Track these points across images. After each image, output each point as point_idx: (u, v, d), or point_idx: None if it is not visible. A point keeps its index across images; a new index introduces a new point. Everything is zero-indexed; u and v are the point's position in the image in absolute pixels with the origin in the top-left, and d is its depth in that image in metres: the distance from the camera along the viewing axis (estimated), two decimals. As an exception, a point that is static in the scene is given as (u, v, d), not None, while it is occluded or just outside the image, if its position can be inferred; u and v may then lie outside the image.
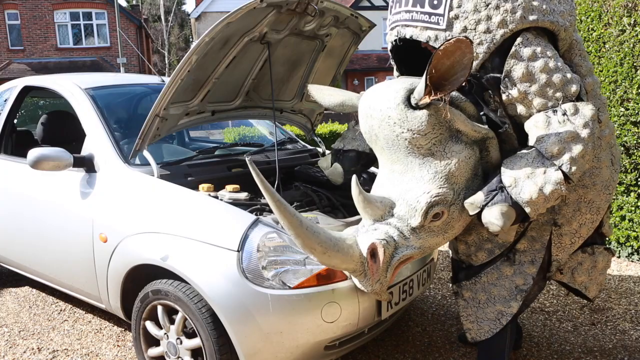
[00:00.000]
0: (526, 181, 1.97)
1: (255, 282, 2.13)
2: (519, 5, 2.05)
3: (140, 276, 2.54)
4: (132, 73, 15.48)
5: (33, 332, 3.31)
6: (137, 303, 2.54)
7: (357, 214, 2.68)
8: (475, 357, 2.84)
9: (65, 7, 21.77)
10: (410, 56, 2.43)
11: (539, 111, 2.05)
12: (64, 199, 2.87)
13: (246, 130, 5.41)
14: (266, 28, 2.72)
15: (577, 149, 1.96)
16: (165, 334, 2.48)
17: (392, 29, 2.34)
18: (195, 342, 2.33)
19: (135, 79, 3.77)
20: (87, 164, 2.80)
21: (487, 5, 2.06)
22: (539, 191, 1.95)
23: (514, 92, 2.06)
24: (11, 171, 3.34)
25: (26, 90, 3.60)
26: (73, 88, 3.14)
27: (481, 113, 2.19)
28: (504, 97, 2.10)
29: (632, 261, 4.26)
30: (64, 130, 3.51)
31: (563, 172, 1.95)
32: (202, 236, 2.26)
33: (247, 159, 1.87)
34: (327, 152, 3.59)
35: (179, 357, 2.45)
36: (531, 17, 2.06)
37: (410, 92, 2.03)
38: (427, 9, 2.14)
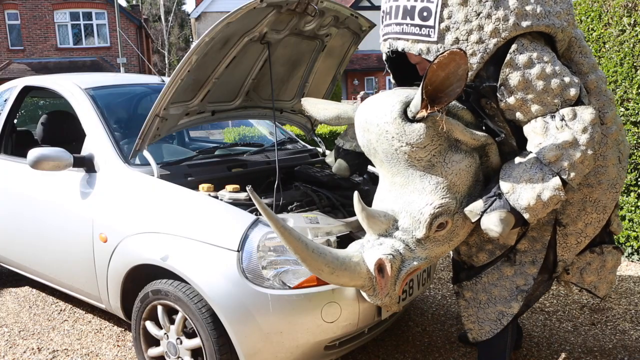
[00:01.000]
0: (524, 187, 1.95)
1: (255, 282, 2.13)
2: (511, 12, 2.00)
3: (140, 276, 2.54)
4: (132, 73, 15.50)
5: (33, 332, 3.31)
6: (137, 303, 2.54)
7: (357, 214, 2.68)
8: (475, 357, 2.84)
9: (65, 7, 21.78)
10: (405, 64, 2.41)
11: (537, 117, 2.02)
12: (64, 199, 2.87)
13: (246, 130, 5.41)
14: (266, 28, 2.72)
15: (575, 155, 1.93)
16: (165, 334, 2.48)
17: (384, 40, 2.31)
18: (195, 342, 2.33)
19: (135, 79, 3.77)
20: (87, 164, 2.80)
21: (479, 15, 2.01)
22: (537, 197, 1.93)
23: (511, 100, 2.03)
24: (11, 171, 3.34)
25: (26, 90, 3.60)
26: (73, 88, 3.14)
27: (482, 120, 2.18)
28: (501, 104, 2.06)
29: (632, 261, 4.26)
30: (64, 130, 3.51)
31: (561, 178, 1.93)
32: (202, 236, 2.26)
33: (247, 189, 1.87)
34: (327, 151, 3.60)
35: (179, 357, 2.45)
36: (525, 24, 2.00)
37: (407, 104, 2.00)
38: (417, 21, 2.09)
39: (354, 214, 2.69)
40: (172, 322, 2.44)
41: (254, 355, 2.18)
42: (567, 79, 2.01)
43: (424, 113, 1.90)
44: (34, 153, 2.68)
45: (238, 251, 2.15)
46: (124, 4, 32.85)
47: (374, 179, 3.16)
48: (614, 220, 2.40)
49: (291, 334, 2.15)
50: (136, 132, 2.66)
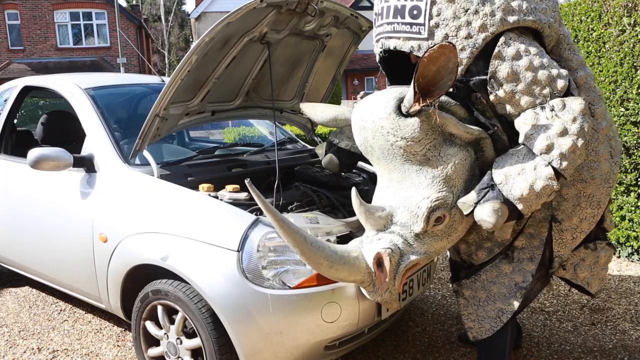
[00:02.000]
0: (517, 178, 1.98)
1: (255, 282, 2.13)
2: (498, 7, 2.05)
3: (140, 276, 2.54)
4: (132, 73, 15.48)
5: (33, 332, 3.31)
6: (137, 303, 2.54)
7: (357, 214, 2.68)
8: (475, 357, 2.84)
9: (65, 7, 21.78)
10: (399, 65, 2.45)
11: (527, 109, 2.06)
12: (64, 199, 2.87)
13: (246, 130, 5.40)
14: (266, 28, 2.72)
15: (566, 144, 1.96)
16: (165, 334, 2.48)
17: (377, 41, 2.37)
18: (195, 342, 2.33)
19: (135, 79, 3.77)
20: (87, 164, 2.80)
21: (466, 11, 2.07)
22: (530, 187, 1.96)
23: (500, 93, 2.07)
24: (11, 171, 3.34)
25: (26, 90, 3.60)
26: (73, 88, 3.14)
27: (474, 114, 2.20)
28: (491, 97, 2.11)
29: (632, 261, 4.26)
30: (64, 130, 3.51)
31: (554, 168, 1.96)
32: (202, 236, 2.26)
33: (246, 182, 1.89)
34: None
35: (179, 357, 2.45)
36: (511, 19, 2.06)
37: (400, 100, 2.05)
38: (408, 19, 2.15)
39: (354, 214, 2.70)
40: (172, 322, 2.44)
41: (254, 355, 2.18)
42: (554, 71, 2.05)
43: (417, 107, 1.94)
44: (34, 153, 2.68)
45: (238, 251, 2.15)
46: (124, 4, 32.86)
47: (373, 179, 3.16)
48: (607, 217, 2.44)
49: (291, 334, 2.15)
50: (136, 132, 2.66)
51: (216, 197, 2.46)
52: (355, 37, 3.25)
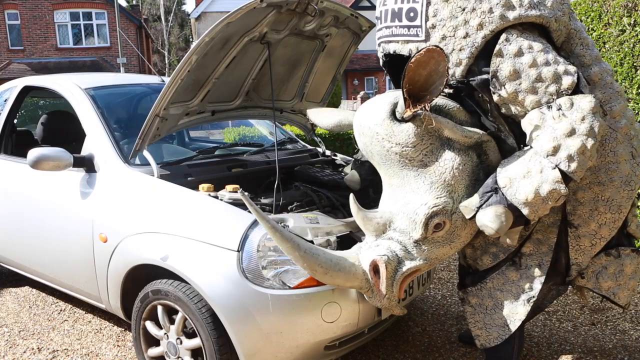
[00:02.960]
0: (522, 181, 1.89)
1: (255, 282, 2.13)
2: (496, 4, 1.97)
3: (140, 276, 2.53)
4: (132, 73, 15.50)
5: (33, 332, 3.31)
6: (137, 303, 2.54)
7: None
8: (475, 357, 2.84)
9: (65, 7, 21.77)
10: (403, 66, 2.42)
11: (532, 109, 1.97)
12: (64, 199, 2.87)
13: (246, 130, 5.41)
14: (266, 28, 2.72)
15: (574, 145, 1.85)
16: (165, 334, 2.48)
17: (378, 45, 2.33)
18: (195, 342, 2.33)
19: (135, 79, 3.77)
20: (87, 164, 2.80)
21: (463, 10, 2.00)
22: (536, 191, 1.87)
23: (503, 92, 1.99)
24: (11, 171, 3.34)
25: (26, 90, 3.60)
26: (73, 88, 3.14)
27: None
28: (495, 98, 2.03)
29: (632, 261, 4.26)
30: (64, 130, 3.51)
31: (561, 171, 1.87)
32: (202, 236, 2.26)
33: (239, 192, 1.90)
34: (327, 152, 3.60)
35: (179, 357, 2.45)
36: (512, 15, 1.97)
37: (395, 106, 2.02)
38: (405, 22, 2.11)
39: (354, 214, 2.70)
40: (172, 322, 2.44)
41: (254, 355, 2.18)
42: (561, 68, 1.95)
43: (409, 112, 1.90)
44: (34, 153, 2.68)
45: (238, 251, 2.15)
46: (124, 4, 32.86)
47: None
48: (632, 221, 2.28)
49: (291, 334, 2.15)
50: (136, 132, 2.66)
51: (216, 197, 2.46)
52: (355, 37, 3.25)
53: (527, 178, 1.90)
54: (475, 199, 1.96)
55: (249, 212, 2.36)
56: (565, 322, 3.24)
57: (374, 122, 2.03)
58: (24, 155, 2.89)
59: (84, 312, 3.56)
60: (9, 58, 21.19)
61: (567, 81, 1.94)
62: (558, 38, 2.11)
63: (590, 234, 2.19)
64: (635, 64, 3.97)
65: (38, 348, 3.10)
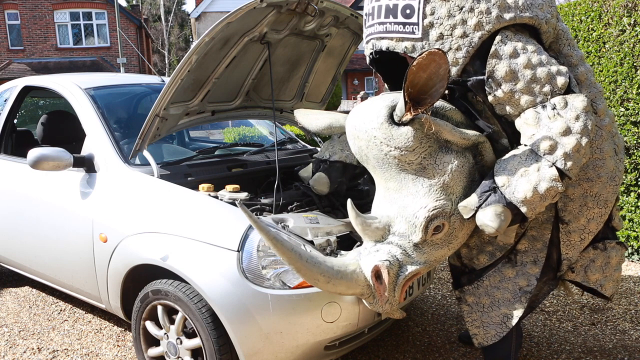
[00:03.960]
0: (520, 180, 1.92)
1: (255, 282, 2.13)
2: (493, 4, 2.00)
3: (140, 276, 2.53)
4: (132, 73, 15.49)
5: (33, 332, 3.31)
6: (137, 303, 2.54)
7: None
8: (475, 357, 2.84)
9: (65, 7, 21.78)
10: (392, 66, 2.40)
11: (527, 108, 2.00)
12: (64, 199, 2.87)
13: (246, 130, 5.41)
14: (266, 28, 2.72)
15: (570, 143, 1.89)
16: (165, 334, 2.48)
17: (367, 42, 2.29)
18: (195, 342, 2.33)
19: (135, 79, 3.77)
20: (87, 164, 2.80)
21: (461, 9, 2.01)
22: (534, 189, 1.89)
23: (499, 93, 2.01)
24: (11, 171, 3.34)
25: (26, 90, 3.60)
26: (73, 88, 3.14)
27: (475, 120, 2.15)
28: (490, 98, 2.04)
29: (632, 261, 4.26)
30: (64, 130, 3.51)
31: (558, 169, 1.90)
32: (202, 236, 2.25)
33: (238, 204, 1.90)
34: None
35: (179, 357, 2.45)
36: (508, 16, 2.01)
37: (393, 109, 1.99)
38: (401, 18, 2.08)
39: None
40: (172, 322, 2.44)
41: (254, 355, 2.18)
42: (554, 68, 1.99)
43: (408, 116, 1.88)
44: (34, 153, 2.68)
45: (238, 251, 2.15)
46: (124, 4, 32.86)
47: (373, 179, 3.15)
48: (616, 215, 2.36)
49: (291, 334, 2.15)
50: (136, 132, 2.66)
51: (216, 197, 2.46)
52: (355, 37, 3.25)
53: (524, 176, 1.92)
54: (474, 199, 1.97)
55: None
56: (565, 322, 3.24)
57: (371, 125, 2.00)
58: (24, 155, 2.89)
59: (84, 312, 3.56)
60: (9, 58, 21.19)
61: (560, 81, 1.98)
62: (547, 39, 2.16)
63: (579, 229, 2.25)
64: (635, 64, 3.97)
65: (38, 348, 3.10)
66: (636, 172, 4.09)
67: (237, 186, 2.57)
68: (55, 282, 3.17)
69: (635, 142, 4.02)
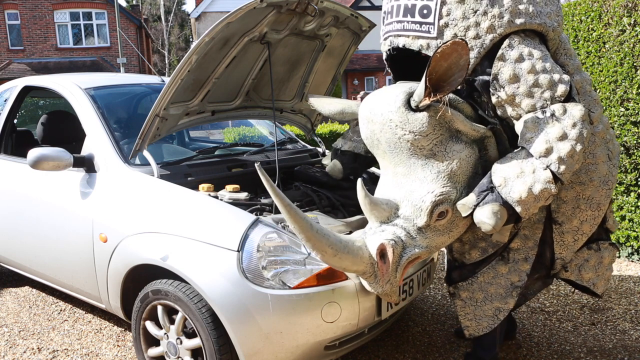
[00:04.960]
0: (516, 181, 2.01)
1: (255, 282, 2.13)
2: (505, 10, 2.10)
3: (140, 276, 2.53)
4: (132, 73, 15.49)
5: (33, 332, 3.31)
6: (137, 303, 2.54)
7: (358, 214, 2.68)
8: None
9: (65, 7, 21.77)
10: (405, 64, 2.48)
11: (527, 112, 2.09)
12: (64, 199, 2.87)
13: (246, 130, 5.42)
14: (266, 28, 2.72)
15: (565, 148, 1.98)
16: (165, 334, 2.48)
17: (385, 39, 2.40)
18: (195, 342, 2.33)
19: (135, 79, 3.77)
20: (87, 164, 2.80)
21: (475, 12, 2.11)
22: (529, 190, 1.99)
23: (502, 94, 2.11)
24: (11, 171, 3.34)
25: (26, 90, 3.60)
26: (73, 88, 3.14)
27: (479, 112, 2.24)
28: (493, 99, 2.14)
29: (632, 261, 4.26)
30: (64, 130, 3.51)
31: (552, 172, 1.99)
32: (202, 236, 2.26)
33: (256, 165, 1.92)
34: (327, 152, 3.60)
35: (179, 357, 2.45)
36: (518, 21, 2.10)
37: (410, 95, 2.08)
38: (418, 18, 2.19)
39: (354, 214, 2.70)
40: (172, 322, 2.44)
41: (254, 355, 2.18)
42: (556, 76, 2.08)
43: (427, 101, 1.97)
44: (34, 153, 2.68)
45: (238, 251, 2.15)
46: (124, 4, 32.85)
47: (373, 179, 3.16)
48: (610, 217, 2.47)
49: (291, 334, 2.15)
50: (136, 132, 2.66)
51: (216, 197, 2.46)
52: (355, 37, 3.25)
53: (520, 178, 2.02)
54: (472, 197, 2.07)
55: (249, 212, 2.36)
56: (565, 322, 3.24)
57: (387, 109, 2.09)
58: (24, 155, 2.89)
59: (84, 312, 3.56)
60: (9, 58, 21.19)
61: (561, 89, 2.07)
62: (552, 47, 2.26)
63: (573, 230, 2.36)
64: (635, 64, 3.97)
65: (38, 348, 3.10)
66: (636, 172, 4.09)
67: (237, 186, 2.57)
68: (55, 282, 3.17)
69: (635, 142, 4.02)
